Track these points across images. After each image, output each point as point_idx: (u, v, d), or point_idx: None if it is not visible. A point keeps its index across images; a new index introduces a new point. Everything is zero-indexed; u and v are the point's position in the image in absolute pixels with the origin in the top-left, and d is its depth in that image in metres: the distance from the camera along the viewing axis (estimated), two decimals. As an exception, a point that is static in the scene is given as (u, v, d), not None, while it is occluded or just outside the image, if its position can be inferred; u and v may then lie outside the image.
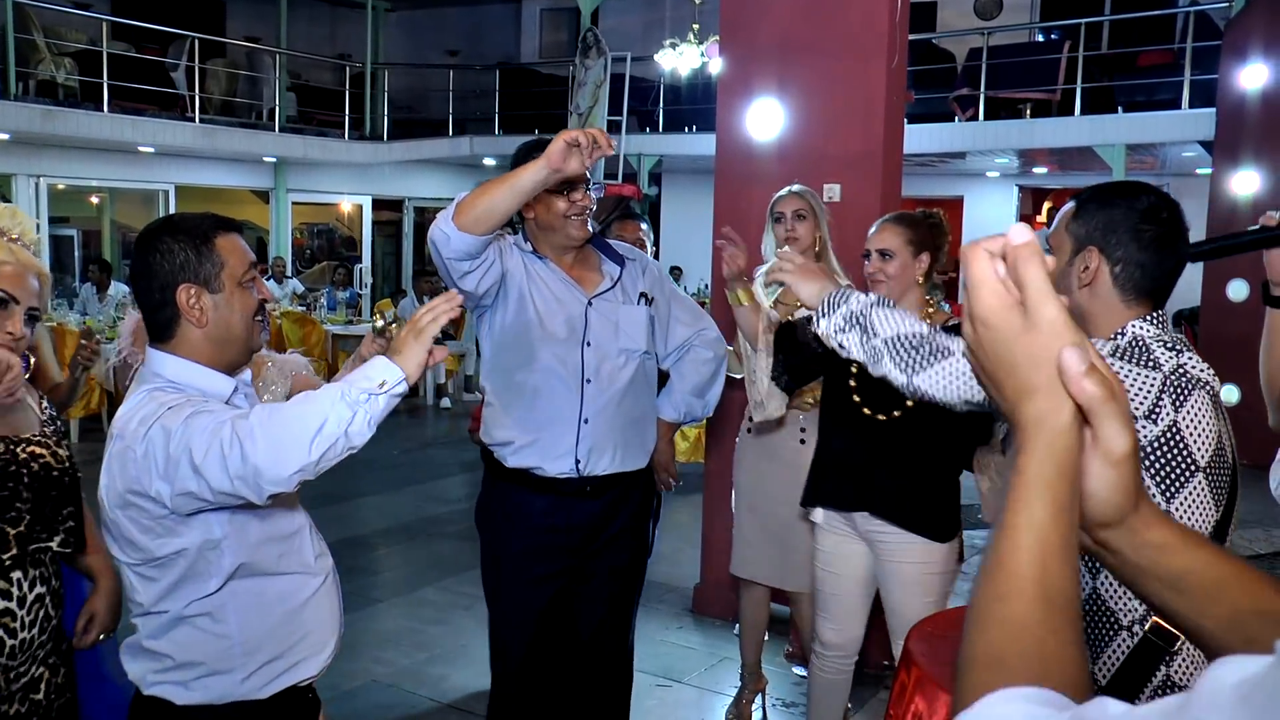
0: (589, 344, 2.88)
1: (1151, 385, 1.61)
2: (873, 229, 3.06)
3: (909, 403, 2.89)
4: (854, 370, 2.96)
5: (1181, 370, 1.64)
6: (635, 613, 3.25)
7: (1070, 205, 1.82)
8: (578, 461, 2.89)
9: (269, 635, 1.95)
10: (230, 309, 1.92)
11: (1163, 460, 1.62)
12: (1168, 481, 1.62)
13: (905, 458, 2.96)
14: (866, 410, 2.96)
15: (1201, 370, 1.67)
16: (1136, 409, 1.60)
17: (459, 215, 2.52)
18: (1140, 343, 1.67)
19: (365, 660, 4.40)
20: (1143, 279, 1.74)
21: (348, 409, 1.68)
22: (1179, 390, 1.62)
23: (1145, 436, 1.61)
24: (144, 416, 1.80)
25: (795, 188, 3.67)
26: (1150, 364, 1.62)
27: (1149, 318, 1.74)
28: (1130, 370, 1.62)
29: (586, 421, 2.88)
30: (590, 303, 2.91)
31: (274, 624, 1.95)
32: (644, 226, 4.15)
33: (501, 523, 3.01)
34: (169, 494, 1.75)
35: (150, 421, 1.77)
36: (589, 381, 2.87)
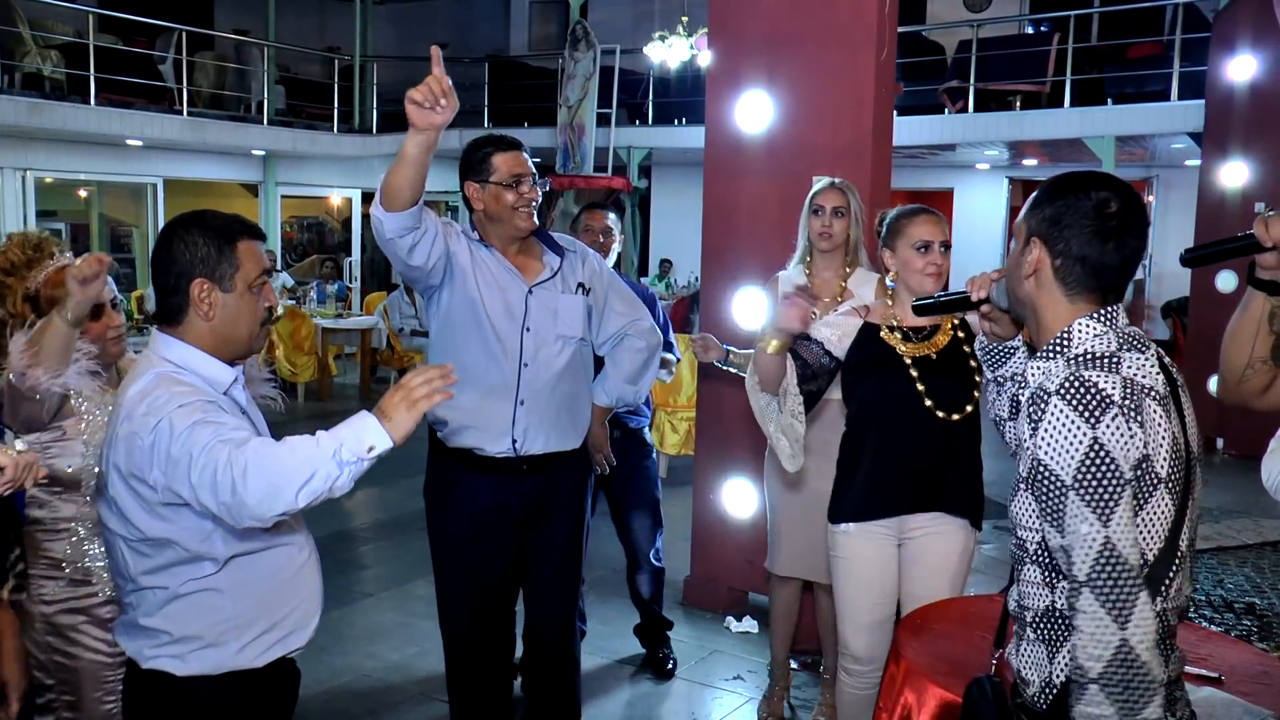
0: (528, 329, 3.05)
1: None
2: (910, 221, 2.99)
3: (969, 406, 2.94)
4: (915, 374, 2.94)
5: (1129, 384, 1.62)
6: (580, 584, 3.43)
7: (1036, 192, 1.83)
8: (514, 441, 3.06)
9: (261, 608, 2.02)
10: (237, 310, 2.02)
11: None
12: (1137, 500, 1.61)
13: (971, 454, 3.00)
14: (940, 413, 2.93)
15: (1144, 376, 1.64)
16: None
17: (382, 198, 2.72)
18: (1086, 366, 1.64)
19: (355, 655, 4.39)
20: (1084, 273, 1.71)
21: (337, 468, 1.77)
22: (1133, 410, 1.60)
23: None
24: (153, 405, 1.88)
25: (837, 180, 3.67)
26: (1100, 403, 1.59)
27: (1096, 315, 1.71)
28: (1072, 418, 1.60)
29: (523, 403, 3.05)
30: (531, 290, 3.07)
31: (266, 597, 2.03)
32: (611, 218, 4.16)
33: (447, 501, 3.18)
34: (163, 485, 1.85)
35: (160, 414, 1.85)
36: (526, 365, 3.05)
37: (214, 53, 13.88)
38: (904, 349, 2.97)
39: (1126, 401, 1.60)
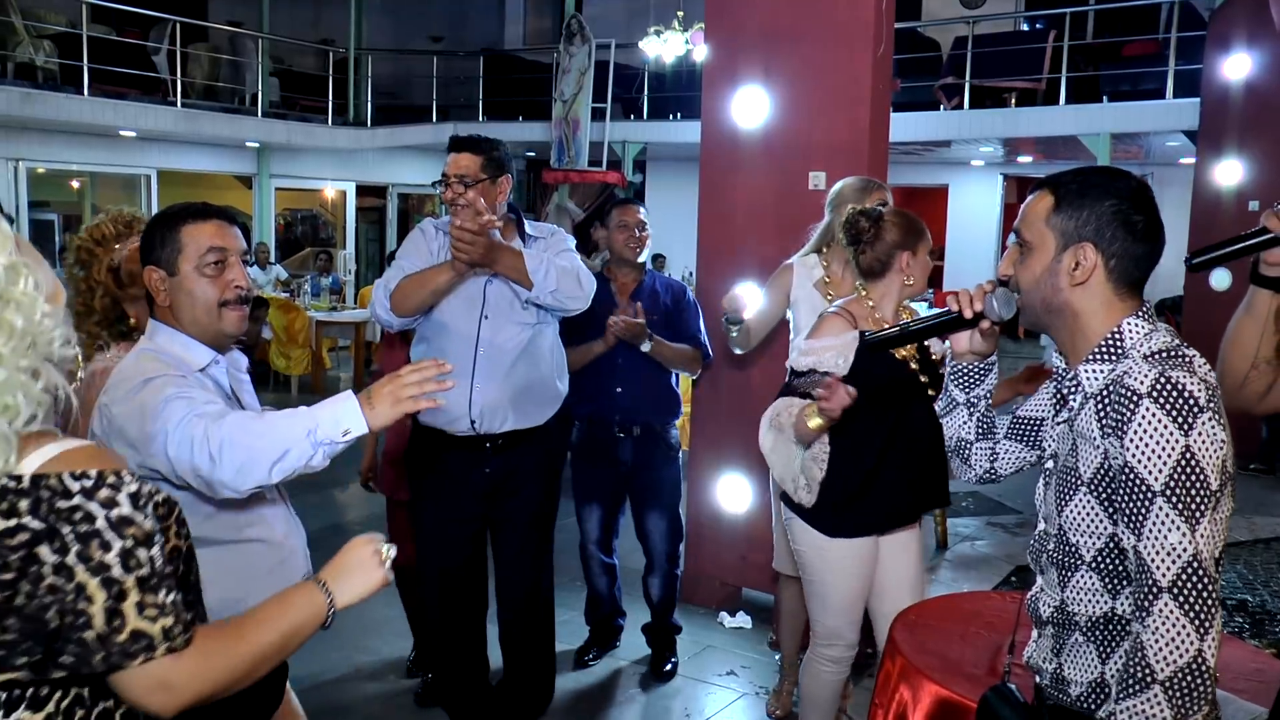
0: (486, 316, 3.23)
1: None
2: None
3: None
4: (925, 380, 2.96)
5: (1207, 384, 1.60)
6: (549, 557, 3.56)
7: (1044, 195, 1.73)
8: (473, 422, 3.24)
9: (225, 604, 1.86)
10: (187, 293, 2.07)
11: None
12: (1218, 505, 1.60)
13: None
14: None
15: (1210, 373, 1.64)
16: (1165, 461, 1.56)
17: (394, 306, 3.11)
18: (1170, 365, 1.59)
19: (349, 649, 4.38)
20: (1134, 270, 1.69)
21: (311, 448, 1.83)
22: (1216, 411, 1.58)
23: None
24: (129, 381, 1.94)
25: (874, 180, 3.63)
26: (1192, 408, 1.56)
27: (1140, 312, 1.69)
28: (1167, 425, 1.56)
29: (477, 386, 3.22)
30: (490, 280, 3.21)
31: (231, 593, 1.92)
32: (643, 211, 4.19)
33: (423, 472, 3.41)
34: (134, 463, 1.86)
35: (133, 392, 1.91)
36: (482, 350, 3.22)
37: (208, 44, 13.83)
38: (901, 355, 2.98)
39: (1211, 403, 1.57)
